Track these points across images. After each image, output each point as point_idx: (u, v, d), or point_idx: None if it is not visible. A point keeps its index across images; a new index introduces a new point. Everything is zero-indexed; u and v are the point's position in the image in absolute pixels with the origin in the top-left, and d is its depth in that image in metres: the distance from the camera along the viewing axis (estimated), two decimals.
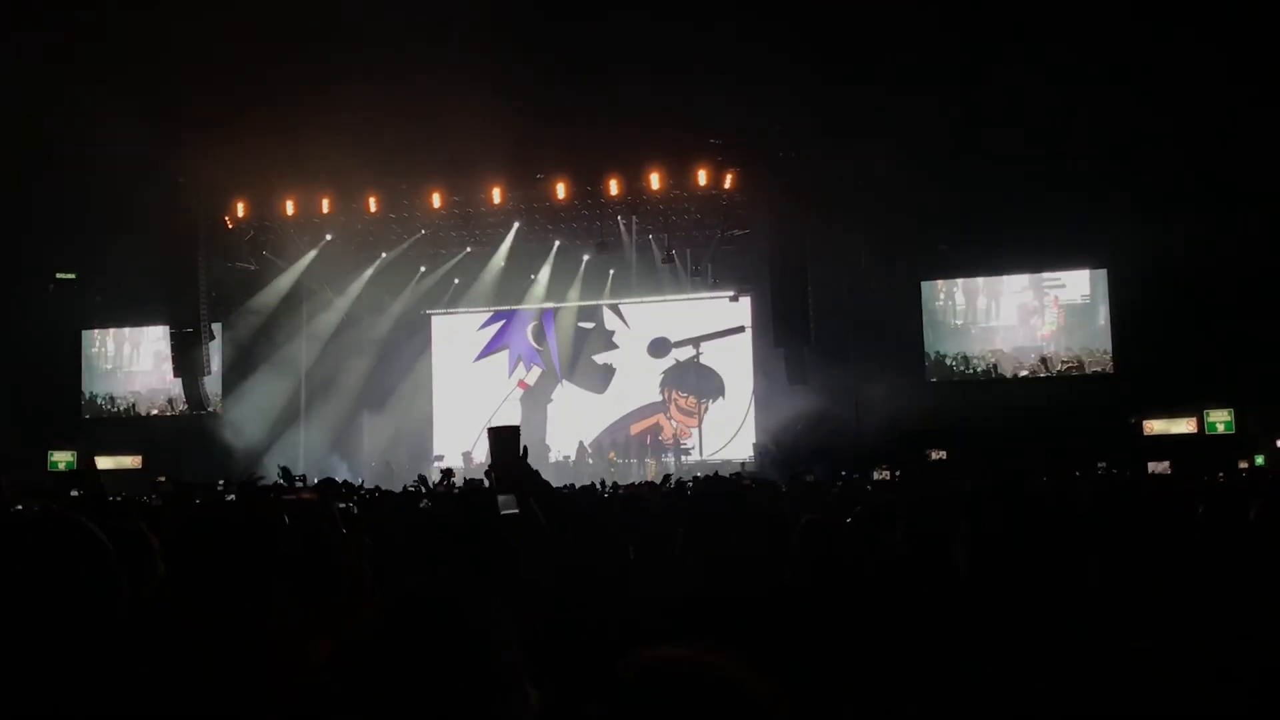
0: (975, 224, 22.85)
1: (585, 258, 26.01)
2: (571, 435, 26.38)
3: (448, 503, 6.52)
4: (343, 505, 8.11)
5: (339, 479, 11.09)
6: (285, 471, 9.35)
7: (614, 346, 27.38)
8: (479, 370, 28.04)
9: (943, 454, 21.46)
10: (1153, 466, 19.02)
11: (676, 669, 1.30)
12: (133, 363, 29.33)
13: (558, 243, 25.88)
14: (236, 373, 26.76)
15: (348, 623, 3.04)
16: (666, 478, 10.79)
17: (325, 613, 2.97)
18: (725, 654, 1.33)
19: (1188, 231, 20.20)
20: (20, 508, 7.61)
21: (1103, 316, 24.10)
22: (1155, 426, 22.53)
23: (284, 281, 25.88)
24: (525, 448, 4.27)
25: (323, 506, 3.35)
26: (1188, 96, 19.24)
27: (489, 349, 28.15)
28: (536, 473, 4.28)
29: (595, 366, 27.37)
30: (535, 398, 27.33)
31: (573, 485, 11.30)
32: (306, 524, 3.22)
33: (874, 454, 20.53)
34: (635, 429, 26.75)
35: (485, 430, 4.57)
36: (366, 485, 11.96)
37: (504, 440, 4.26)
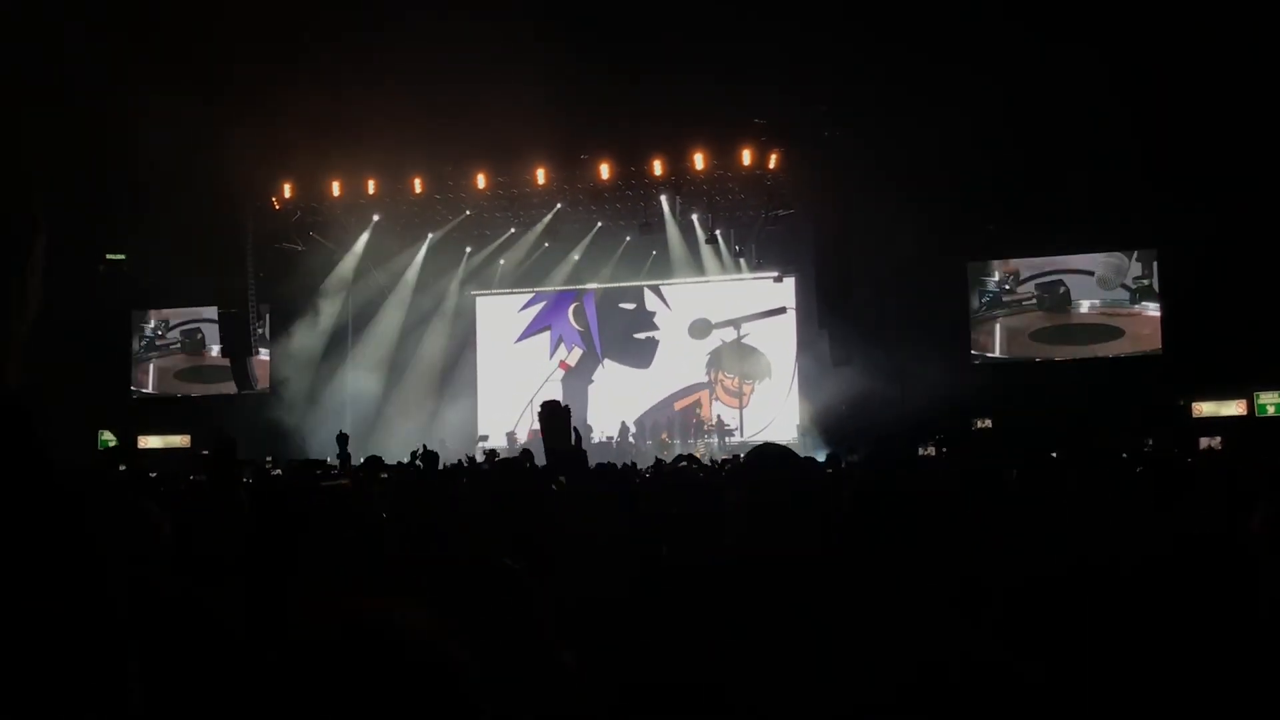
0: (1023, 204, 22.63)
1: (628, 238, 26.04)
2: (614, 416, 26.46)
3: (485, 477, 6.49)
4: (383, 475, 8.19)
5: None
6: (342, 438, 9.34)
7: (655, 327, 27.38)
8: (522, 351, 28.13)
9: (988, 422, 21.31)
10: (1205, 442, 18.88)
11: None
12: (181, 342, 29.65)
13: (600, 223, 25.94)
14: (284, 353, 27.02)
15: (380, 603, 3.09)
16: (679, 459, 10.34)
17: (359, 593, 3.00)
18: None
19: (1238, 212, 19.98)
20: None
21: (1152, 297, 23.84)
22: (1204, 409, 22.27)
23: (338, 264, 26.21)
24: (577, 432, 4.23)
25: (359, 491, 3.37)
26: (1242, 76, 18.97)
27: (531, 330, 28.23)
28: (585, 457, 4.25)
29: (637, 347, 27.39)
30: (577, 378, 27.42)
31: (613, 464, 11.27)
32: (343, 506, 3.26)
33: (919, 435, 20.44)
34: (679, 407, 26.78)
35: (539, 404, 4.47)
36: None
37: (557, 420, 4.19)
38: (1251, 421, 21.78)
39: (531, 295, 28.01)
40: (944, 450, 15.06)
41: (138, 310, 29.60)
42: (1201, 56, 18.82)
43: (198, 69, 19.84)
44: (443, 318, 27.60)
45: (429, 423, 25.91)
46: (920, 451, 16.39)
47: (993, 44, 20.02)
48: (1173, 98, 20.06)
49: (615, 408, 26.69)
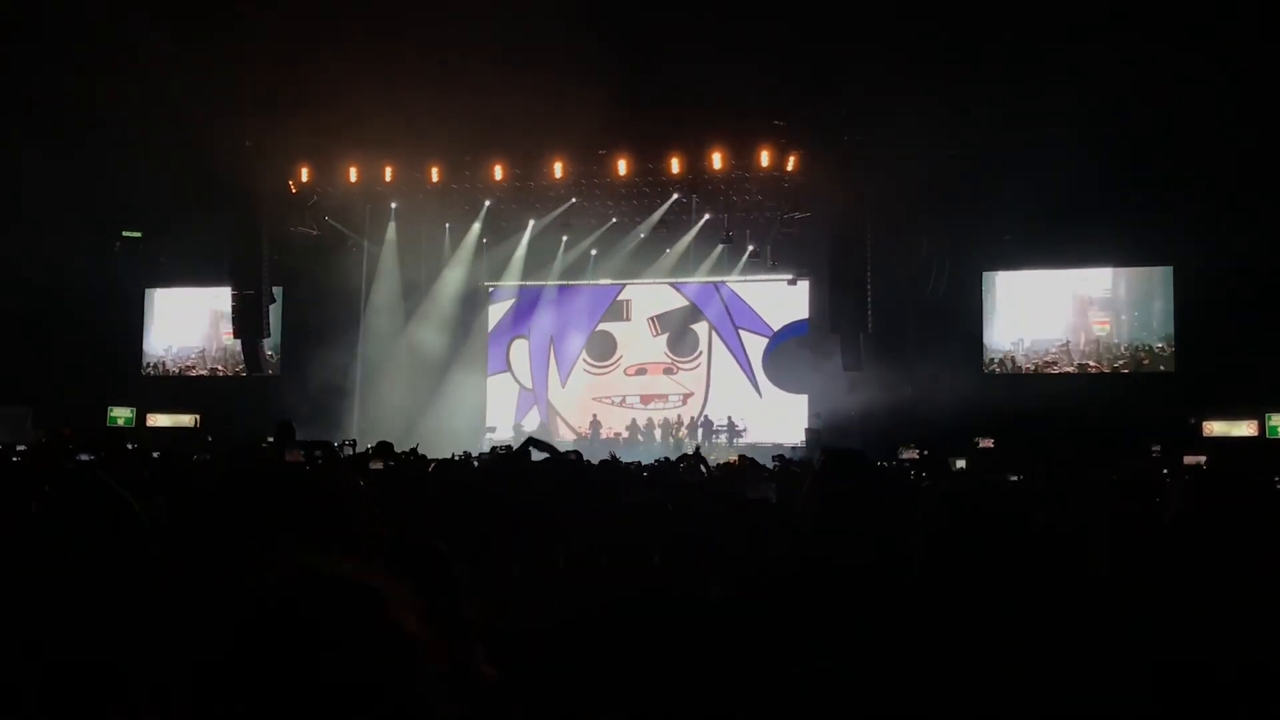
0: (1041, 217, 22.47)
1: (641, 235, 25.97)
2: (628, 412, 26.61)
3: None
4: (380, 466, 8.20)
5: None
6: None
7: (668, 324, 27.28)
8: (533, 343, 28.04)
9: (989, 442, 21.16)
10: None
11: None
12: (194, 322, 29.71)
13: (614, 219, 25.88)
14: (296, 336, 27.07)
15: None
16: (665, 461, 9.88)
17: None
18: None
19: (1255, 230, 19.84)
20: (85, 456, 7.77)
21: (1166, 314, 23.73)
22: (1215, 428, 22.11)
23: (356, 251, 26.37)
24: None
25: (336, 464, 3.37)
26: (1261, 91, 18.84)
27: (541, 324, 28.07)
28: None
29: (650, 344, 27.31)
30: (590, 372, 27.36)
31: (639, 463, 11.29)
32: (324, 482, 3.24)
33: (926, 443, 20.31)
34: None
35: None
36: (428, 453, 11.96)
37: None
38: (1262, 442, 21.65)
39: (544, 288, 27.89)
40: (924, 453, 15.05)
41: (152, 288, 29.66)
42: (1223, 67, 18.69)
43: (219, 51, 19.83)
44: (457, 308, 27.51)
45: (438, 414, 25.88)
46: (904, 454, 16.40)
47: (1013, 54, 19.93)
48: (1194, 114, 19.94)
49: (632, 405, 26.85)
